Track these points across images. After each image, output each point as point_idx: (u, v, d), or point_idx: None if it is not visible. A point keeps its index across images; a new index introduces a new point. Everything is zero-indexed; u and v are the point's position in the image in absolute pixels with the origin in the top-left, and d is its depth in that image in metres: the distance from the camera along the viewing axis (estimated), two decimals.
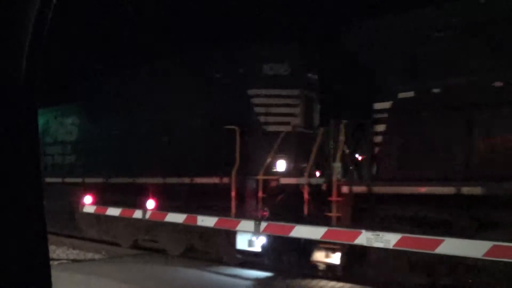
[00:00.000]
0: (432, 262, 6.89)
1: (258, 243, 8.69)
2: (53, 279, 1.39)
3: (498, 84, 6.60)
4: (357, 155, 8.10)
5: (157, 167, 10.17)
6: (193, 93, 9.85)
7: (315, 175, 8.30)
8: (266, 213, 8.30)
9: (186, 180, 9.53)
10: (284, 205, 8.35)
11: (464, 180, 6.42)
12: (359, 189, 7.34)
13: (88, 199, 11.55)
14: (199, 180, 9.40)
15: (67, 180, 12.58)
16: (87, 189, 11.88)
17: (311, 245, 7.99)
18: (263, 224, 7.84)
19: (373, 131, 7.61)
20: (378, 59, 7.67)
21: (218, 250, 9.47)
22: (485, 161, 6.48)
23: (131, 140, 11.03)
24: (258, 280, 8.18)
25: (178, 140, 9.99)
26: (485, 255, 5.62)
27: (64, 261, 10.09)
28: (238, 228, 8.29)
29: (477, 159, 6.55)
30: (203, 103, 9.66)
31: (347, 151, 7.96)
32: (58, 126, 13.49)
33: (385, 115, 7.49)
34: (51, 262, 1.48)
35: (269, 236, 8.40)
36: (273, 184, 8.60)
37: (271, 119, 9.00)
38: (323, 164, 8.25)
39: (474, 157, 6.58)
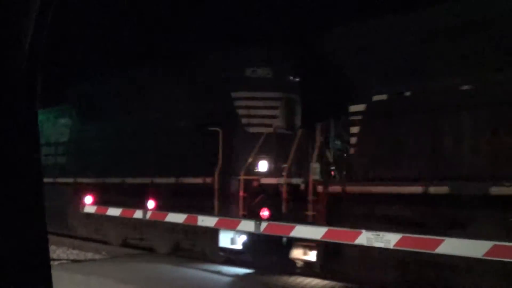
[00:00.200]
0: (406, 260, 7.16)
1: (240, 241, 8.97)
2: (53, 279, 1.39)
3: (465, 87, 6.87)
4: (335, 155, 8.37)
5: (145, 168, 10.45)
6: (179, 96, 10.13)
7: (296, 175, 8.56)
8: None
9: (172, 180, 9.82)
10: (264, 204, 8.60)
11: (432, 179, 6.69)
12: (333, 188, 7.60)
13: (87, 199, 11.59)
14: (184, 180, 9.68)
15: (59, 180, 12.85)
16: (78, 189, 12.16)
17: (289, 243, 8.26)
18: (263, 224, 7.82)
19: (348, 133, 7.88)
20: (353, 63, 7.94)
21: (202, 248, 9.75)
22: (451, 161, 6.75)
23: (121, 141, 11.30)
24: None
25: (164, 141, 10.27)
26: (485, 255, 5.58)
27: (65, 261, 10.13)
28: (238, 228, 8.27)
29: (444, 160, 6.82)
30: (189, 105, 9.93)
31: (331, 151, 8.24)
32: (50, 128, 13.77)
33: (360, 117, 7.76)
34: (51, 262, 1.49)
35: (249, 234, 8.67)
36: (255, 184, 8.87)
37: (253, 120, 9.28)
38: (303, 164, 8.51)
39: (442, 157, 6.85)
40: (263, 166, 9.00)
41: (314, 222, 7.67)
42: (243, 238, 8.86)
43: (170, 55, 11.61)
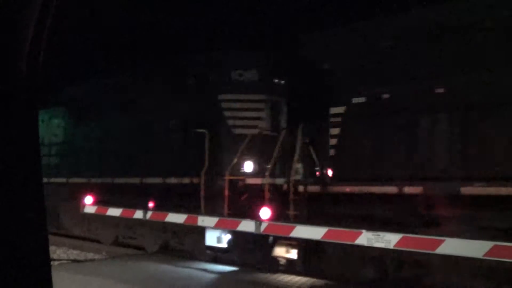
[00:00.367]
0: (383, 257, 7.39)
1: (226, 239, 9.21)
2: (53, 279, 1.40)
3: (439, 90, 7.10)
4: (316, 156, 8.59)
5: (135, 168, 10.70)
6: (168, 98, 10.37)
7: (280, 175, 8.80)
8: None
9: (160, 180, 10.07)
10: (249, 203, 8.83)
11: (407, 180, 6.92)
12: (313, 188, 7.84)
13: (87, 199, 11.59)
14: (172, 180, 9.93)
15: (52, 180, 13.08)
16: (71, 189, 12.41)
17: (273, 241, 8.49)
18: (264, 224, 7.87)
19: (329, 134, 8.11)
20: (334, 67, 8.18)
21: (190, 247, 9.98)
22: (426, 162, 6.98)
23: (111, 142, 11.55)
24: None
25: (153, 142, 10.52)
26: (485, 255, 5.59)
27: (65, 261, 10.16)
28: (238, 228, 8.28)
29: (419, 161, 7.05)
30: (177, 108, 10.18)
31: (314, 152, 8.47)
32: (43, 129, 14.01)
33: (340, 119, 8.00)
34: (51, 262, 1.50)
35: (234, 233, 8.90)
36: (240, 184, 9.11)
37: (239, 122, 9.50)
38: (287, 165, 8.74)
39: (417, 159, 7.08)
40: (248, 166, 9.23)
41: (295, 221, 7.90)
42: (229, 236, 9.09)
43: (158, 58, 11.83)
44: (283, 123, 9.67)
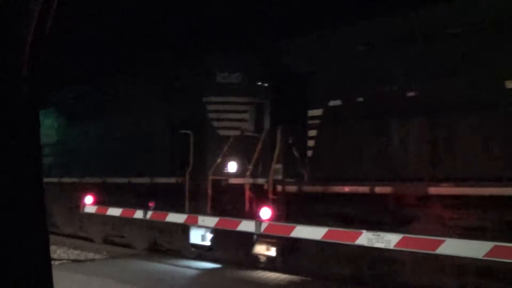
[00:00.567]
0: (357, 255, 7.66)
1: (209, 237, 9.49)
2: (54, 279, 1.43)
3: (410, 94, 7.38)
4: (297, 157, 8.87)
5: (123, 168, 11.01)
6: (156, 100, 10.69)
7: (262, 175, 9.07)
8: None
9: (148, 180, 10.38)
10: (231, 203, 9.12)
11: (378, 180, 7.21)
12: (291, 188, 8.12)
13: (87, 198, 11.66)
14: (159, 180, 10.23)
15: (44, 180, 13.37)
16: (62, 188, 12.73)
17: (253, 239, 8.77)
18: (264, 224, 7.88)
19: (307, 136, 8.39)
20: (312, 71, 8.48)
21: (176, 245, 10.28)
22: (396, 163, 7.26)
23: (101, 143, 11.88)
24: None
25: (141, 143, 10.83)
26: (485, 255, 5.60)
27: (65, 261, 10.18)
28: (238, 228, 8.22)
29: (390, 162, 7.33)
30: (164, 110, 10.48)
31: (296, 153, 8.75)
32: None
33: (317, 121, 8.28)
34: (52, 262, 1.51)
35: (216, 231, 9.19)
36: (223, 183, 9.39)
37: (223, 124, 9.78)
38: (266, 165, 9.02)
39: (388, 160, 7.36)
40: (231, 167, 9.50)
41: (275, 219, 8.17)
42: (211, 235, 9.38)
43: (146, 62, 12.17)
44: (267, 125, 9.94)
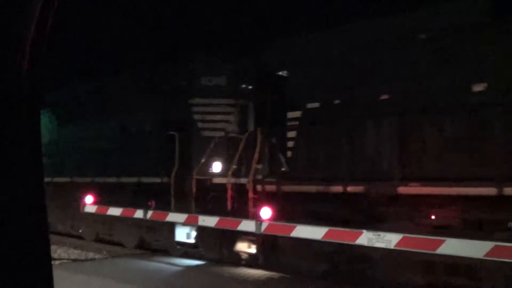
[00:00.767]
0: (332, 252, 7.95)
1: (194, 235, 9.79)
2: (54, 279, 1.41)
3: (383, 97, 7.67)
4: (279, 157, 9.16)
5: (111, 168, 11.32)
6: (143, 102, 10.99)
7: (245, 175, 9.35)
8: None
9: (135, 179, 10.69)
10: (214, 202, 9.41)
11: (350, 180, 7.50)
12: (270, 188, 8.42)
13: (88, 198, 11.54)
14: (146, 179, 10.54)
15: None
16: (54, 188, 13.03)
17: (236, 237, 9.07)
18: (264, 224, 7.93)
19: (286, 137, 8.68)
20: (292, 74, 8.78)
21: (162, 242, 10.58)
22: (368, 164, 7.55)
23: (90, 144, 12.19)
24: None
25: (128, 144, 11.14)
26: (486, 255, 5.63)
27: (66, 260, 10.25)
28: (239, 228, 8.36)
29: (363, 162, 7.61)
30: (151, 111, 10.79)
31: (278, 153, 9.03)
32: None
33: (296, 123, 8.57)
34: (52, 262, 1.49)
35: (200, 229, 9.48)
36: (207, 183, 9.69)
37: (208, 125, 10.07)
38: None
39: (361, 160, 7.64)
40: (216, 167, 9.80)
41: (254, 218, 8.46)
42: (195, 233, 9.68)
43: (132, 64, 12.48)
44: (251, 126, 10.22)
